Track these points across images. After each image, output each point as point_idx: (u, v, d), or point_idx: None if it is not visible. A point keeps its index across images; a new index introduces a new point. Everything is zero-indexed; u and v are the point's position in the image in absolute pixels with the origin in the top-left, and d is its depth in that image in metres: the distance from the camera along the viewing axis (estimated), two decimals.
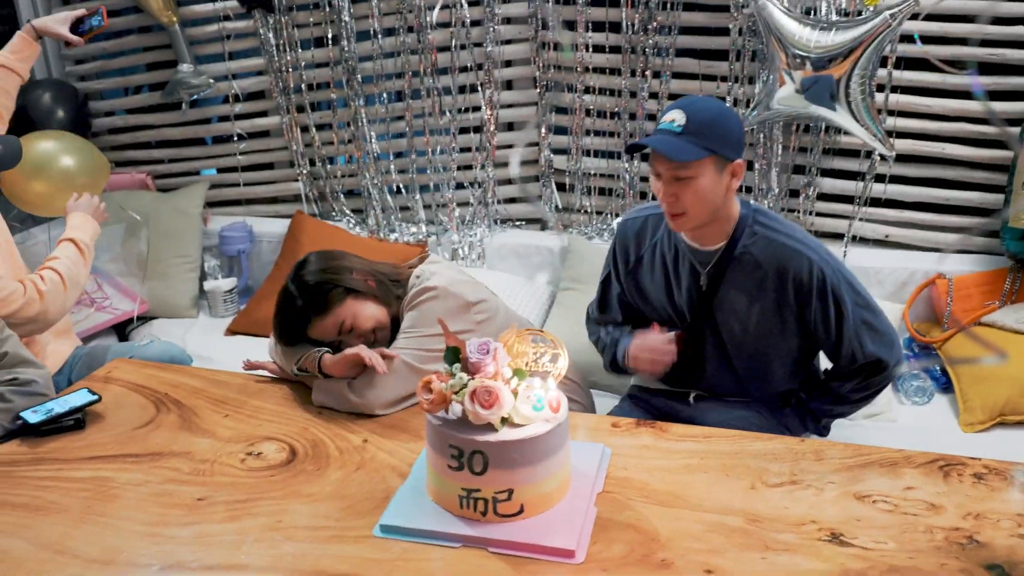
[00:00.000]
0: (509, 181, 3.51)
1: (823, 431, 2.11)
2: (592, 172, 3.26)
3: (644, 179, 3.20)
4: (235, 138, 3.62)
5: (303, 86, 3.42)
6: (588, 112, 3.17)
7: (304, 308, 1.92)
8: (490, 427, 1.39)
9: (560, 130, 3.25)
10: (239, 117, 3.59)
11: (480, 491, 1.38)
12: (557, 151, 3.30)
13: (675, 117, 1.81)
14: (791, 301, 1.94)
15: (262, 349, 3.00)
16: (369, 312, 1.94)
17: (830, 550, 1.35)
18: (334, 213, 3.62)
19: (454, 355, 1.44)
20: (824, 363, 2.11)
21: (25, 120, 3.28)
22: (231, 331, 3.25)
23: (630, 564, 1.32)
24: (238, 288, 3.48)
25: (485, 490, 1.38)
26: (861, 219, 3.00)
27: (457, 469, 1.39)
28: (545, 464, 1.40)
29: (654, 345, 1.99)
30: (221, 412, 1.86)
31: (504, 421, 1.39)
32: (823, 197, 3.06)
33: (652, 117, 3.11)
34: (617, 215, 3.26)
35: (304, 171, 3.58)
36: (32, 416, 1.76)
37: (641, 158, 3.17)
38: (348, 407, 1.80)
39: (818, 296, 1.91)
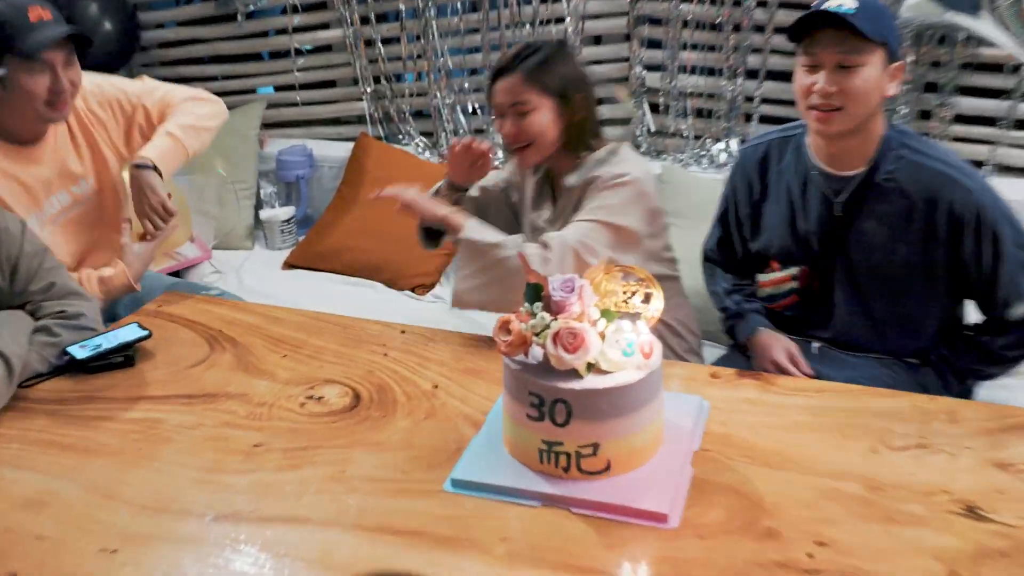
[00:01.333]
0: (600, 101, 3.43)
1: (967, 395, 2.03)
2: (690, 91, 3.16)
3: (748, 99, 3.09)
4: (294, 53, 3.61)
5: None
6: (686, 23, 3.06)
7: (507, 62, 1.99)
8: (574, 373, 1.35)
9: (654, 43, 3.15)
10: (298, 30, 3.58)
11: (562, 444, 1.35)
12: (651, 67, 3.21)
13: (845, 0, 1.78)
14: (942, 236, 1.87)
15: (323, 284, 3.06)
16: (545, 121, 1.99)
17: (964, 524, 1.28)
18: (401, 136, 3.60)
19: (535, 292, 1.40)
20: (971, 317, 2.03)
21: None
22: (289, 264, 3.28)
23: (731, 532, 1.28)
24: (297, 217, 3.50)
25: (568, 443, 1.34)
26: (1007, 144, 2.83)
27: (537, 419, 1.35)
28: (635, 416, 1.36)
29: (779, 356, 1.99)
30: (279, 352, 1.87)
31: (590, 367, 1.35)
32: (960, 119, 2.89)
33: (760, 28, 2.98)
34: (718, 140, 3.17)
35: (369, 89, 3.56)
36: (80, 352, 1.79)
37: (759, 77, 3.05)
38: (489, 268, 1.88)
39: (974, 232, 1.84)
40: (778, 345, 2.02)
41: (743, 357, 2.13)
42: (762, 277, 2.14)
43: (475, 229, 1.94)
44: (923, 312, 1.96)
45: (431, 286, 3.03)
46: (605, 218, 1.93)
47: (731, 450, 1.47)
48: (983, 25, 2.54)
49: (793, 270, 2.06)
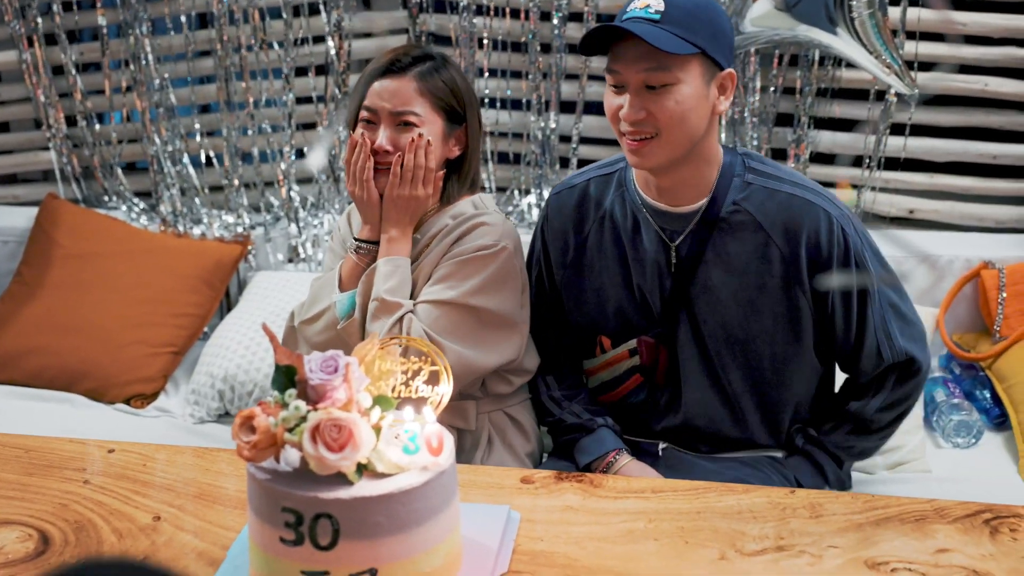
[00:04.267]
0: None
1: (845, 482, 2.20)
2: (490, 130, 3.33)
3: (565, 139, 3.29)
4: None
5: (54, 4, 3.39)
6: (481, 43, 3.24)
7: (399, 59, 2.16)
8: (342, 479, 1.41)
9: None
10: None
11: (329, 574, 1.40)
12: None
13: (650, 1, 1.91)
14: (803, 274, 2.02)
15: (4, 403, 2.97)
16: (432, 144, 2.14)
17: None
18: (107, 197, 3.58)
19: (287, 376, 1.46)
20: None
21: None
22: None
23: None
24: None
25: (336, 572, 1.39)
26: (874, 188, 3.14)
27: (294, 543, 1.40)
28: (422, 532, 1.42)
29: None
30: None
31: (362, 469, 1.42)
32: (819, 159, 3.18)
33: (574, 48, 3.18)
34: (527, 192, 3.34)
35: (59, 134, 3.54)
36: None
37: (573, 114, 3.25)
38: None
39: (840, 264, 2.01)
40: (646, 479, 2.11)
41: (567, 460, 2.22)
42: (591, 362, 2.26)
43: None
44: (789, 380, 2.12)
45: (154, 396, 3.00)
46: (463, 299, 2.09)
47: (549, 570, 1.55)
48: (842, 41, 2.81)
49: (631, 343, 2.18)
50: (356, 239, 2.19)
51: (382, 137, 2.13)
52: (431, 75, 2.14)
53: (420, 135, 2.11)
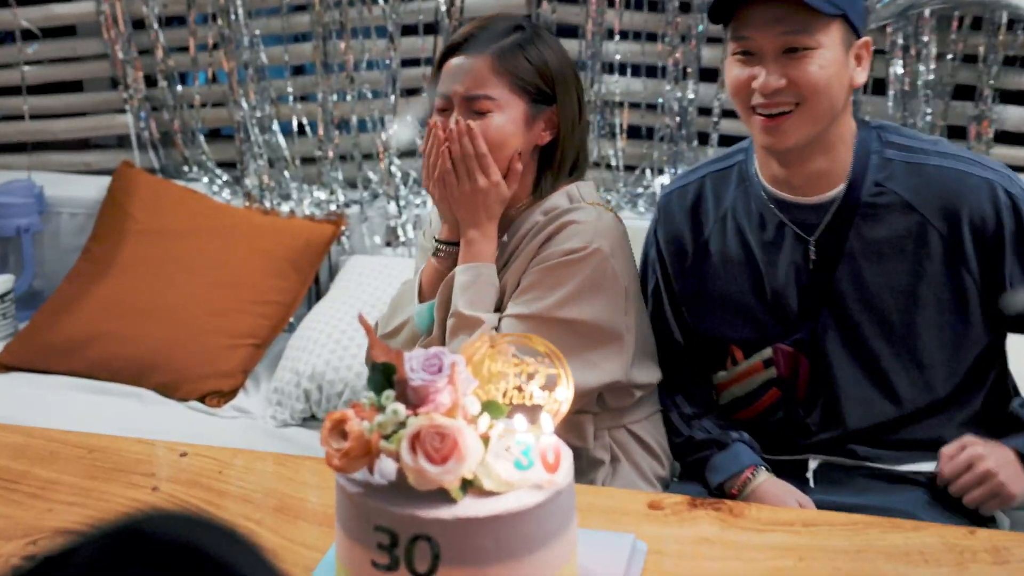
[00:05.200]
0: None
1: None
2: (619, 100, 3.29)
3: (705, 111, 3.24)
4: (19, 37, 3.62)
5: None
6: (612, 1, 3.20)
7: (476, 33, 2.13)
8: (444, 496, 1.38)
9: (566, 30, 3.27)
10: (24, 2, 3.59)
11: None
12: None
13: None
14: (968, 254, 1.99)
15: (57, 394, 3.03)
16: (509, 131, 2.10)
17: None
18: (187, 167, 3.62)
19: (384, 376, 1.43)
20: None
21: None
22: (2, 365, 3.22)
23: None
24: (16, 293, 3.47)
25: None
26: None
27: (388, 568, 1.37)
28: (535, 561, 1.38)
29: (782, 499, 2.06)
30: None
31: (467, 486, 1.38)
32: (1005, 138, 3.08)
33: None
34: (661, 171, 3.31)
35: (137, 95, 3.59)
36: None
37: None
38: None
39: (1015, 235, 1.97)
40: (789, 499, 2.07)
41: (698, 483, 2.19)
42: (722, 376, 2.22)
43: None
44: (963, 374, 2.07)
45: (231, 394, 3.02)
46: (551, 312, 2.04)
47: None
48: None
49: (766, 352, 2.14)
50: (436, 240, 2.17)
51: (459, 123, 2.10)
52: (513, 52, 2.09)
53: (458, 121, 2.07)
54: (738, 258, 2.12)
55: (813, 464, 2.16)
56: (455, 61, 2.11)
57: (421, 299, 2.16)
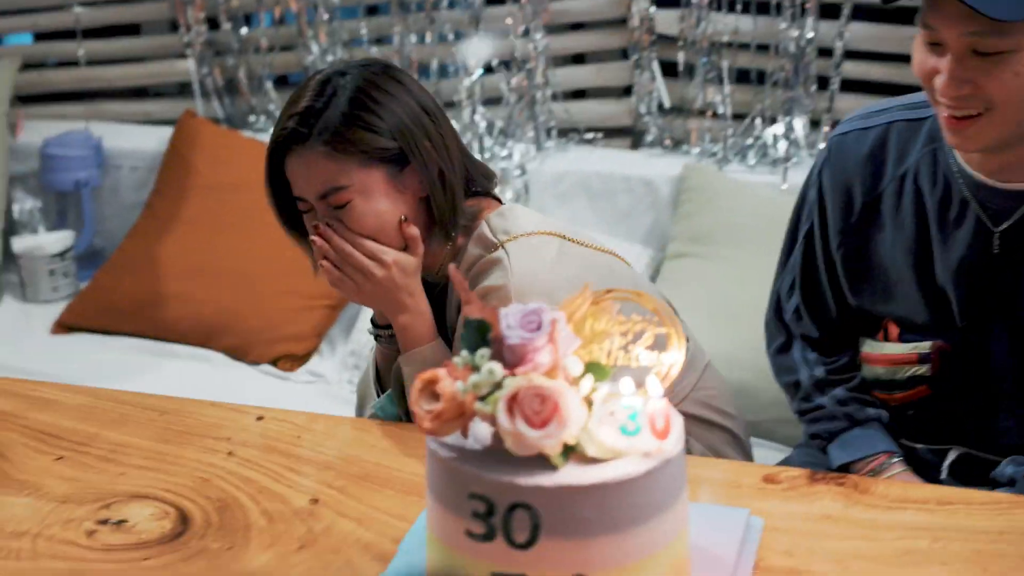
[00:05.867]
0: (577, 58, 3.52)
1: None
2: (728, 41, 3.27)
3: (825, 53, 3.20)
4: None
5: None
6: None
7: (295, 126, 1.98)
8: (544, 462, 1.38)
9: None
10: None
11: None
12: (663, 2, 3.32)
13: None
14: None
15: (123, 357, 3.08)
16: (380, 208, 2.01)
17: None
18: (254, 116, 3.65)
19: (479, 333, 1.45)
20: None
21: None
22: (63, 326, 3.29)
23: None
24: (77, 250, 3.52)
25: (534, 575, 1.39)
26: None
27: (484, 538, 1.38)
28: (643, 535, 1.39)
29: None
30: (51, 453, 1.88)
31: (569, 452, 1.39)
32: None
33: None
34: (774, 120, 3.28)
35: (199, 39, 3.62)
36: None
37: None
38: None
39: None
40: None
41: (817, 453, 2.18)
42: (871, 347, 2.17)
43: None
44: None
45: (305, 357, 3.06)
46: None
47: None
48: None
49: (924, 346, 2.08)
50: (372, 323, 2.14)
51: (323, 229, 2.01)
52: (343, 126, 1.97)
53: (317, 227, 1.99)
54: (909, 230, 2.04)
55: (952, 455, 2.12)
56: (291, 159, 1.99)
57: (380, 385, 2.14)
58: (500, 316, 1.44)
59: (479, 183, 2.12)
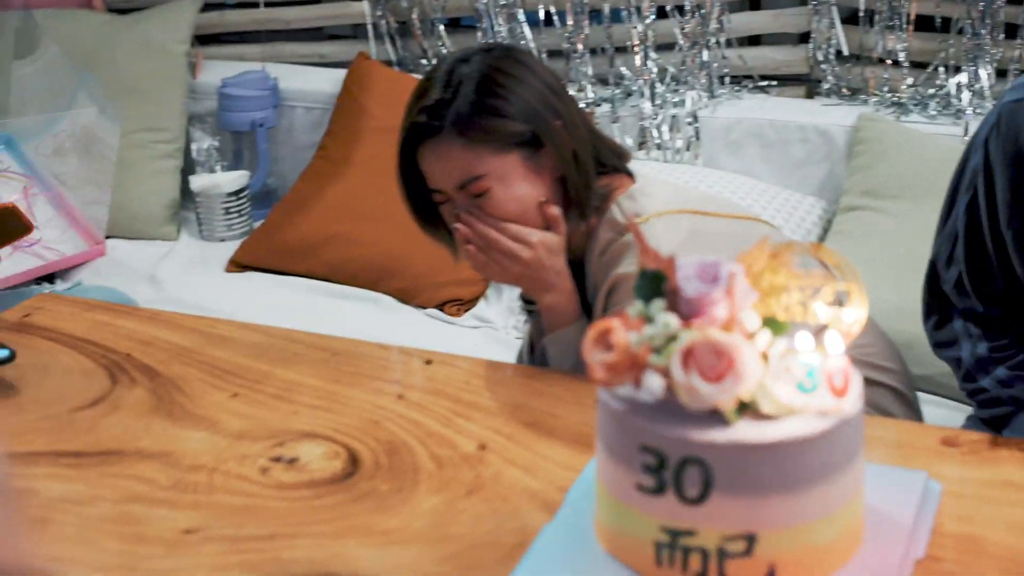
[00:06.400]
0: (753, 3, 3.47)
1: None
2: None
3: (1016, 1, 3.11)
4: None
5: None
6: None
7: (426, 120, 2.01)
8: (718, 417, 1.37)
9: None
10: None
11: (696, 534, 1.36)
12: None
13: None
14: None
15: (295, 297, 3.13)
16: (519, 192, 2.03)
17: None
18: (426, 59, 3.67)
19: (653, 284, 1.43)
20: None
21: None
22: (239, 264, 3.36)
23: None
24: (252, 190, 3.59)
25: (705, 533, 1.36)
26: None
27: (655, 491, 1.38)
28: (817, 495, 1.37)
29: None
30: (226, 389, 1.93)
31: (744, 408, 1.37)
32: None
33: None
34: (958, 69, 3.20)
35: None
36: None
37: None
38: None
39: None
40: None
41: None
42: None
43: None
44: None
45: (472, 302, 3.08)
46: None
47: (981, 562, 1.47)
48: None
49: None
50: (522, 301, 2.19)
51: (464, 217, 2.04)
52: (474, 115, 1.98)
53: (460, 217, 2.02)
54: None
55: None
56: (423, 151, 2.03)
57: (534, 360, 2.16)
58: (677, 267, 1.43)
59: (609, 160, 2.13)
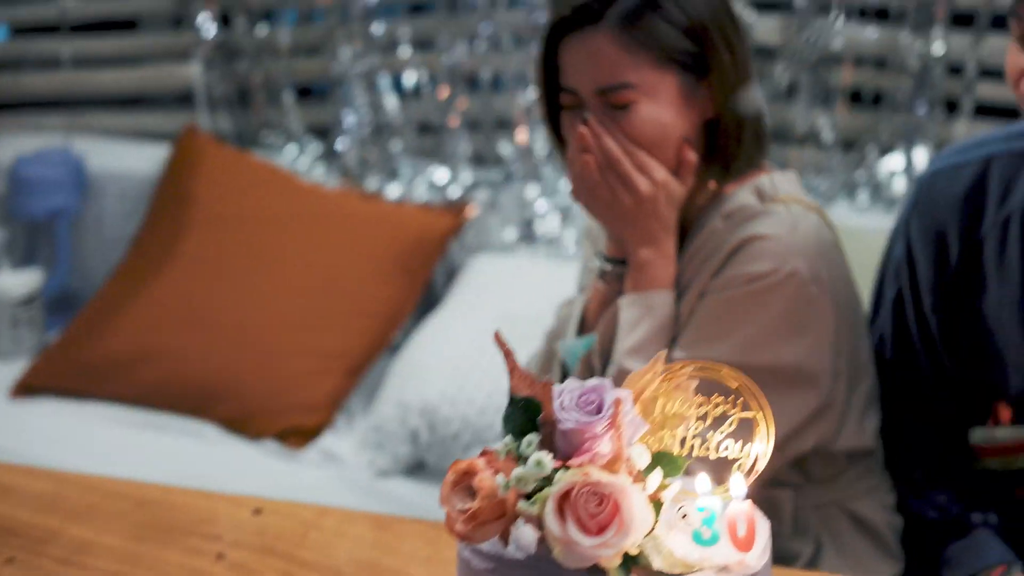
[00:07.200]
0: None
1: None
2: (838, 53, 3.27)
3: (956, 71, 3.19)
4: None
5: None
6: None
7: (588, 1, 2.04)
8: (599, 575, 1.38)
9: None
10: None
11: None
12: (762, 3, 3.32)
13: None
14: None
15: (98, 427, 3.08)
16: (664, 118, 2.06)
17: None
18: (267, 134, 3.66)
19: (526, 415, 1.44)
20: None
21: None
22: (27, 387, 3.30)
23: None
24: (47, 293, 3.54)
25: None
26: None
27: None
28: None
29: None
30: (1, 553, 1.88)
31: (630, 563, 1.37)
32: None
33: None
34: (889, 150, 3.27)
35: (207, 38, 3.64)
36: None
37: None
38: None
39: None
40: None
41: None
42: (980, 436, 2.16)
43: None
44: None
45: (317, 432, 3.06)
46: (731, 359, 1.97)
47: None
48: None
49: None
50: (603, 257, 2.16)
51: (593, 127, 2.05)
52: (642, 13, 2.02)
53: (588, 121, 2.03)
54: (1017, 283, 2.05)
55: None
56: (570, 43, 2.06)
57: (585, 332, 2.16)
58: (554, 394, 1.43)
59: (763, 131, 2.17)
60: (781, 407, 1.96)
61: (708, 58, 2.04)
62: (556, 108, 2.12)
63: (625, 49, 2.01)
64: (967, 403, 2.16)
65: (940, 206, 2.11)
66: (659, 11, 2.01)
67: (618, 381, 1.96)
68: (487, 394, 2.86)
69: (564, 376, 2.14)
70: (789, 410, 2.01)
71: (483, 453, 1.44)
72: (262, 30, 3.63)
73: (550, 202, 3.41)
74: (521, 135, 3.44)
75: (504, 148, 3.51)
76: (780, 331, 2.02)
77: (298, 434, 3.04)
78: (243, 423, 3.06)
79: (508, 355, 1.49)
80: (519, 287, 3.11)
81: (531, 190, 3.43)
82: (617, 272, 2.11)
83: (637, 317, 2.05)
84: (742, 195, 2.10)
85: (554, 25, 2.07)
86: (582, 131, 2.02)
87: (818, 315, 2.05)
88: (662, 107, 2.03)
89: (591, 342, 2.11)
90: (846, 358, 2.10)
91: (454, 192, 3.48)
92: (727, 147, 2.09)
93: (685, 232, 2.12)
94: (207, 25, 3.61)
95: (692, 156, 2.05)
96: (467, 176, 3.51)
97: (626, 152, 2.02)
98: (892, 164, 3.25)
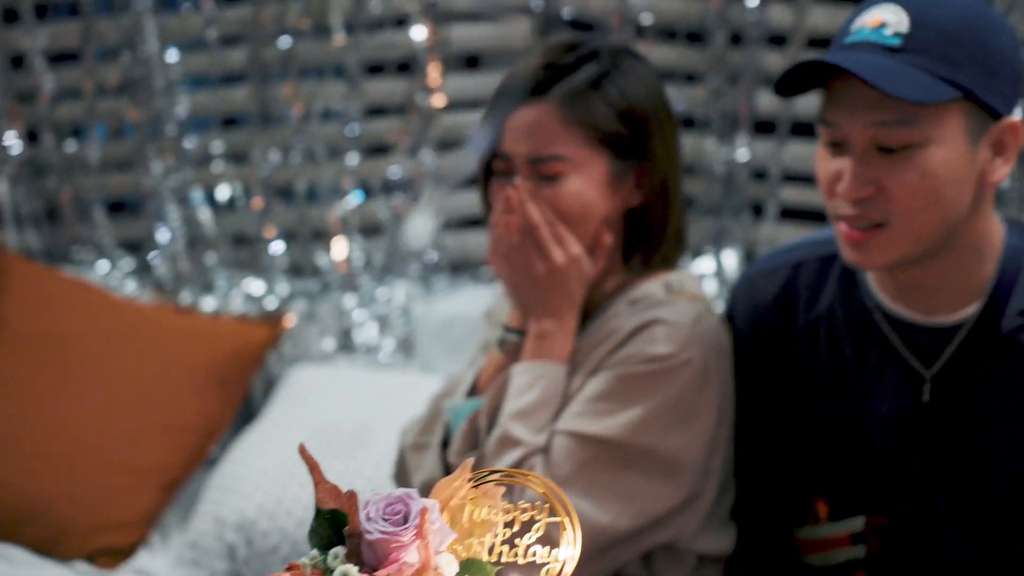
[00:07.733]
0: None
1: None
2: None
3: (760, 176, 3.25)
4: None
5: None
6: (640, 31, 3.22)
7: (538, 78, 2.12)
8: None
9: None
10: None
11: None
12: None
13: (886, 18, 1.88)
14: None
15: None
16: (589, 196, 2.11)
17: None
18: (78, 251, 3.62)
19: (331, 527, 1.42)
20: None
21: None
22: None
23: None
24: None
25: None
26: None
27: None
28: None
29: None
30: None
31: None
32: None
33: (780, 40, 3.16)
34: (698, 253, 3.32)
35: (14, 154, 3.60)
36: None
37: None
38: None
39: None
40: None
41: None
42: (801, 533, 2.20)
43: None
44: None
45: (131, 550, 3.00)
46: (621, 435, 2.03)
47: None
48: None
49: (855, 523, 2.11)
50: (505, 327, 2.19)
51: (520, 193, 2.10)
52: (587, 94, 2.10)
53: (517, 185, 2.09)
54: (829, 382, 2.09)
55: None
56: (516, 112, 2.11)
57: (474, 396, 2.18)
58: (359, 504, 1.42)
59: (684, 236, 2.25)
60: (650, 493, 2.02)
61: (643, 145, 2.11)
62: (488, 173, 2.18)
63: (563, 123, 2.08)
64: (789, 505, 2.19)
65: (753, 314, 2.18)
66: (601, 92, 2.09)
67: (502, 445, 2.00)
68: (305, 506, 2.82)
69: (447, 436, 2.16)
70: (657, 497, 2.05)
71: (289, 567, 1.43)
72: (71, 145, 3.57)
73: (368, 311, 3.40)
74: (338, 245, 3.43)
75: (321, 259, 3.49)
76: (667, 417, 2.05)
77: (111, 554, 2.98)
78: (53, 544, 2.99)
79: (314, 468, 1.47)
80: (338, 397, 3.11)
81: (348, 300, 3.42)
82: (516, 343, 2.15)
83: (528, 384, 2.07)
84: (650, 286, 2.15)
85: (502, 89, 2.15)
86: (509, 192, 2.08)
87: (704, 409, 2.08)
88: (589, 185, 2.10)
89: (478, 404, 2.12)
90: (720, 458, 2.12)
91: (271, 303, 3.45)
92: (649, 238, 2.16)
93: (587, 315, 2.15)
94: (13, 142, 3.55)
95: (608, 239, 2.12)
96: (284, 287, 3.48)
97: (547, 221, 2.07)
98: (703, 267, 3.30)
